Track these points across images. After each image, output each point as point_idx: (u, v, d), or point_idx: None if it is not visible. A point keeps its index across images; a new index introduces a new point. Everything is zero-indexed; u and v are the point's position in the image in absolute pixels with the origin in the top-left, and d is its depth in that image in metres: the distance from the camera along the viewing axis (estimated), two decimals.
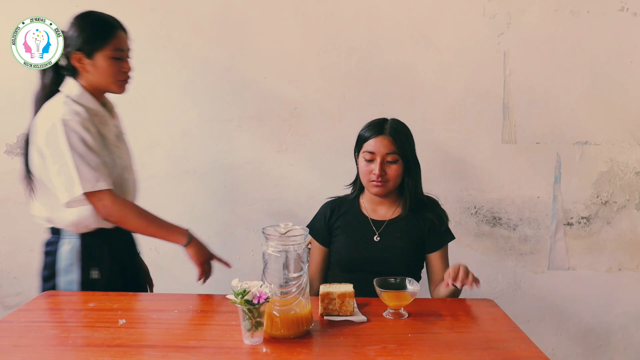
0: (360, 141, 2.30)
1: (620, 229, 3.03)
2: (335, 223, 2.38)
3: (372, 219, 2.32)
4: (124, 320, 1.79)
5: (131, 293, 2.16)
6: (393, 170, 2.22)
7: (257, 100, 2.97)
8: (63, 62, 2.09)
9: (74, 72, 2.09)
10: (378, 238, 2.28)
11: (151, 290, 2.54)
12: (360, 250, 2.29)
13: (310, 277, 2.28)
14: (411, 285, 1.89)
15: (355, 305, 1.88)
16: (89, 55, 2.04)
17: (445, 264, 2.30)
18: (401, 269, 2.13)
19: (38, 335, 1.70)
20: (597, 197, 3.01)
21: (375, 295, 1.87)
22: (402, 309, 1.86)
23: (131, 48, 2.16)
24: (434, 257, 2.30)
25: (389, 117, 2.30)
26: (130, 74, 2.13)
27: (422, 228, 2.29)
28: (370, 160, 2.23)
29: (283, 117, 2.98)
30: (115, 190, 2.05)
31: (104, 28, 2.05)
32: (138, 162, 2.88)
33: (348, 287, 1.85)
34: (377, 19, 2.90)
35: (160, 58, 2.95)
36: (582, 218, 3.03)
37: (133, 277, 2.32)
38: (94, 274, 2.10)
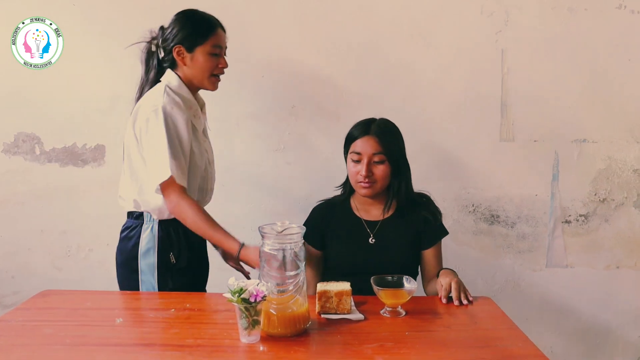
0: (348, 141, 2.29)
1: (618, 226, 3.04)
2: (328, 227, 2.34)
3: (365, 220, 2.30)
4: (120, 319, 1.79)
5: (128, 292, 2.17)
6: (380, 171, 2.19)
7: (255, 99, 2.97)
8: (162, 55, 2.22)
9: (173, 65, 2.20)
10: (373, 240, 2.26)
11: None
12: (356, 255, 2.26)
13: (309, 282, 2.27)
14: (408, 284, 1.90)
15: (353, 303, 1.88)
16: (190, 49, 2.16)
17: (439, 260, 2.31)
18: (397, 268, 2.09)
19: (35, 334, 1.70)
20: (595, 194, 3.01)
21: (372, 293, 1.88)
22: (400, 307, 1.87)
23: (226, 46, 2.25)
24: (428, 254, 2.30)
25: (380, 117, 2.30)
26: (225, 70, 2.25)
27: (416, 226, 2.27)
28: (358, 161, 2.21)
29: (281, 116, 2.98)
30: (200, 181, 2.23)
31: (206, 25, 2.18)
32: None
33: (345, 286, 1.85)
34: (375, 18, 2.90)
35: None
36: (580, 216, 3.03)
37: (204, 267, 2.44)
38: (172, 258, 2.18)
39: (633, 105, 2.96)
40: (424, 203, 2.32)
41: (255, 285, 1.60)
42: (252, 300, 1.57)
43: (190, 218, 2.09)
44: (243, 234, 3.00)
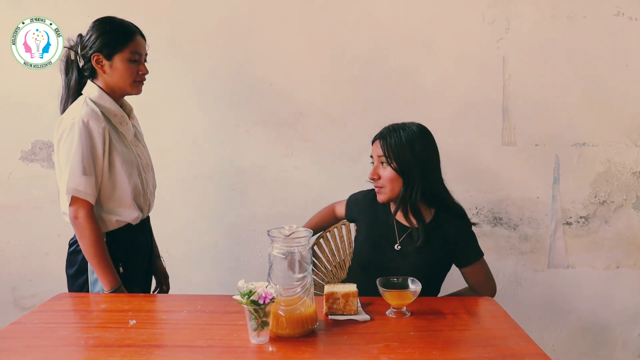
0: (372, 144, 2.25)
1: (618, 227, 3.07)
2: (362, 214, 2.36)
3: (398, 223, 2.24)
4: (134, 321, 1.82)
5: (141, 295, 2.20)
6: (386, 174, 2.14)
7: (264, 106, 3.02)
8: (82, 64, 2.17)
9: (93, 74, 2.17)
10: (399, 247, 2.21)
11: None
12: (377, 255, 2.23)
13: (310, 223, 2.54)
14: (413, 285, 1.91)
15: (359, 304, 1.91)
16: (108, 57, 2.13)
17: (478, 279, 2.27)
18: (418, 277, 2.01)
19: (51, 336, 1.73)
20: (595, 197, 3.04)
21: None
22: (405, 307, 1.89)
23: (147, 53, 2.24)
24: (465, 272, 2.26)
25: (403, 122, 2.23)
26: (146, 76, 2.22)
27: (446, 242, 2.19)
28: (372, 163, 2.21)
29: (289, 122, 3.02)
30: (133, 187, 2.17)
31: (124, 32, 2.15)
32: None
33: (352, 287, 1.88)
34: (379, 26, 2.94)
35: (170, 67, 3.00)
36: (581, 217, 3.06)
37: (147, 277, 2.42)
38: (120, 268, 2.17)
39: (631, 109, 2.99)
40: (457, 220, 2.23)
41: (264, 287, 1.62)
42: (261, 302, 1.59)
43: (86, 239, 2.07)
44: (253, 236, 3.07)
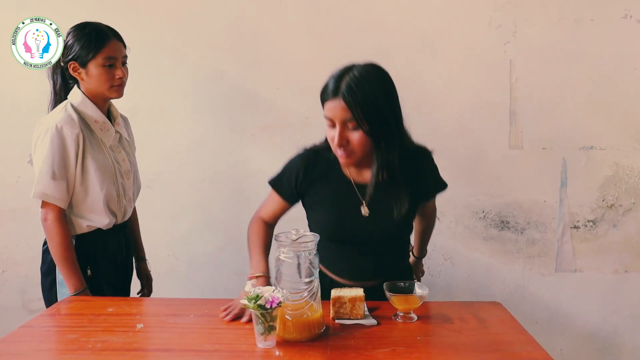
0: (321, 100, 1.93)
1: (626, 231, 3.06)
2: (312, 186, 2.05)
3: (356, 183, 1.99)
4: (141, 325, 1.83)
5: (148, 298, 2.21)
6: (356, 139, 1.82)
7: (270, 111, 3.03)
8: (65, 71, 2.23)
9: (77, 80, 2.22)
10: (367, 212, 1.97)
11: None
12: (345, 225, 2.00)
13: (259, 226, 2.19)
14: (420, 289, 1.91)
15: (366, 308, 1.91)
16: (83, 64, 2.17)
17: (430, 207, 2.30)
18: (392, 241, 2.03)
19: (59, 340, 1.75)
20: (603, 200, 3.04)
21: (383, 296, 1.90)
22: (411, 312, 1.89)
23: (126, 54, 2.26)
24: (425, 205, 2.21)
25: (364, 63, 1.92)
26: (125, 79, 2.23)
27: (412, 187, 1.95)
28: (332, 126, 1.87)
29: (295, 126, 3.03)
30: (106, 193, 2.19)
31: (96, 38, 2.16)
32: (156, 170, 2.95)
33: (359, 292, 1.88)
34: (385, 30, 2.95)
35: (177, 72, 3.02)
36: (589, 221, 3.06)
37: (124, 282, 2.44)
38: (88, 271, 2.21)
39: (639, 113, 2.98)
40: (419, 161, 2.02)
41: (271, 291, 1.62)
42: (268, 306, 1.59)
43: (54, 242, 2.13)
44: None
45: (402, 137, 1.91)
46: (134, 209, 2.56)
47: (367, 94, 1.79)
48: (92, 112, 2.20)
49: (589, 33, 2.91)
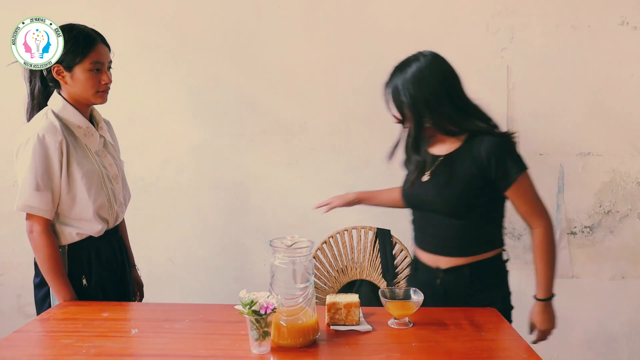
0: None
1: (623, 237, 3.06)
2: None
3: (431, 154, 2.13)
4: (136, 330, 1.83)
5: (143, 303, 2.21)
6: (409, 127, 2.07)
7: (268, 116, 3.03)
8: (45, 74, 2.15)
9: (57, 85, 2.15)
10: (427, 178, 2.10)
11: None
12: (408, 189, 2.17)
13: None
14: (415, 295, 1.91)
15: (361, 314, 1.91)
16: (69, 68, 2.10)
17: (523, 203, 2.07)
18: (451, 211, 2.04)
19: (53, 345, 1.75)
20: (600, 206, 3.04)
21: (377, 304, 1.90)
22: (407, 318, 1.89)
23: (111, 59, 2.19)
24: (509, 196, 2.09)
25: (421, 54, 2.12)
26: (110, 85, 2.16)
27: (476, 165, 2.01)
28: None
29: (293, 131, 3.04)
30: (95, 198, 2.13)
31: (83, 42, 2.10)
32: (154, 175, 2.96)
33: (354, 298, 1.88)
34: (383, 35, 2.96)
35: (175, 77, 3.03)
36: (586, 227, 3.06)
37: (122, 287, 2.36)
38: (83, 281, 2.15)
39: (636, 119, 2.98)
40: (486, 141, 2.02)
41: (266, 297, 1.62)
42: (262, 312, 1.59)
43: (40, 254, 2.07)
44: (257, 245, 3.08)
45: (449, 118, 2.03)
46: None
47: (405, 91, 2.05)
48: (75, 117, 2.13)
49: (585, 39, 2.91)
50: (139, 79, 2.97)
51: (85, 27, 2.16)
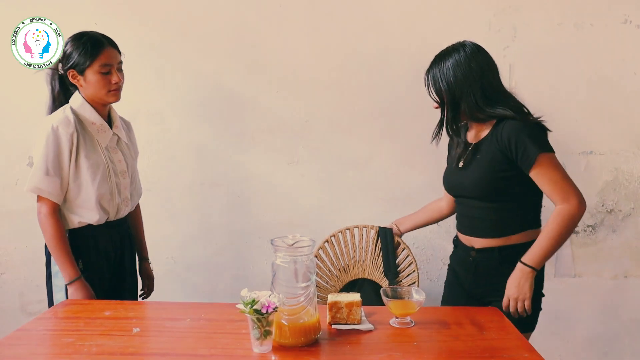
0: None
1: (626, 236, 3.05)
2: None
3: (465, 142, 2.28)
4: (138, 329, 1.84)
5: (145, 302, 2.21)
6: (447, 112, 2.19)
7: (270, 114, 3.03)
8: (65, 78, 2.33)
9: (76, 87, 2.33)
10: (462, 164, 2.24)
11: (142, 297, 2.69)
12: (447, 176, 2.35)
13: None
14: (417, 294, 1.92)
15: (363, 313, 1.91)
16: (81, 72, 2.27)
17: (546, 183, 2.07)
18: (482, 195, 2.15)
19: (55, 344, 1.76)
20: (603, 205, 3.03)
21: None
22: (409, 317, 1.89)
23: (121, 60, 2.33)
24: (532, 177, 2.09)
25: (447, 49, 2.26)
26: (121, 84, 2.33)
27: (501, 148, 2.10)
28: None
29: (295, 130, 3.03)
30: (99, 192, 2.30)
31: (92, 47, 2.26)
32: (155, 173, 2.96)
33: (355, 297, 1.89)
34: (386, 33, 2.95)
35: (176, 75, 3.03)
36: (588, 226, 3.05)
37: (118, 277, 2.47)
38: (80, 264, 2.30)
39: (639, 118, 2.97)
40: (509, 120, 2.12)
41: (267, 296, 1.63)
42: (264, 311, 1.60)
43: (47, 234, 2.25)
44: (258, 243, 3.08)
45: (477, 104, 2.14)
46: (139, 210, 2.67)
47: (435, 81, 2.21)
48: (90, 115, 2.31)
49: (588, 37, 2.90)
50: (141, 78, 2.97)
51: (95, 33, 2.32)
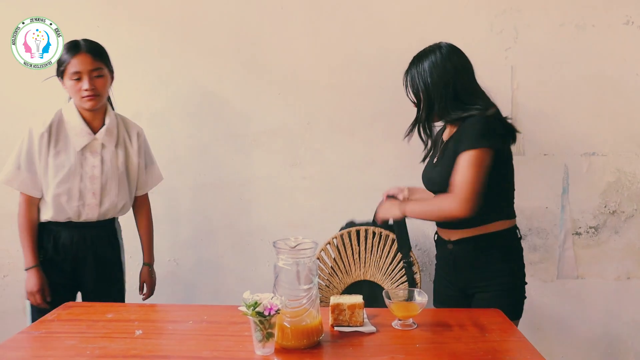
0: None
1: (628, 238, 3.05)
2: None
3: (440, 140, 2.33)
4: (140, 331, 1.84)
5: (148, 304, 2.22)
6: (421, 112, 2.26)
7: (272, 116, 3.03)
8: None
9: None
10: (435, 161, 2.30)
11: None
12: (424, 173, 2.37)
13: None
14: (419, 296, 1.92)
15: (365, 316, 1.91)
16: (61, 78, 2.39)
17: (457, 174, 2.07)
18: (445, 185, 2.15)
19: (57, 346, 1.75)
20: (605, 207, 3.03)
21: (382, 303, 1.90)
22: (411, 319, 1.89)
23: (99, 67, 2.35)
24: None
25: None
26: (93, 91, 2.36)
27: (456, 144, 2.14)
28: None
29: (297, 131, 3.04)
30: (67, 191, 2.42)
31: (65, 53, 2.35)
32: None
33: (358, 299, 1.88)
34: (387, 35, 2.95)
35: (178, 77, 3.03)
36: (590, 228, 3.05)
37: (74, 276, 2.54)
38: (40, 255, 2.49)
39: None
40: (465, 121, 2.16)
41: (270, 298, 1.63)
42: (266, 313, 1.60)
43: (18, 222, 2.47)
44: (261, 245, 3.07)
45: (446, 106, 2.18)
46: (144, 216, 2.73)
47: (412, 80, 2.25)
48: (71, 118, 2.43)
49: (590, 39, 2.90)
50: (143, 79, 2.98)
51: (80, 40, 2.38)
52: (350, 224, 2.75)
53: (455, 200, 2.06)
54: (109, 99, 2.53)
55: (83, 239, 2.50)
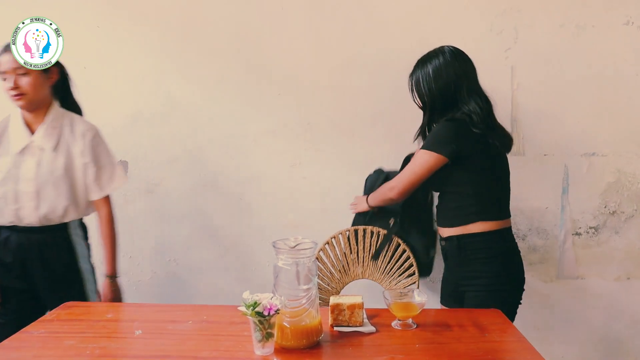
0: None
1: (629, 238, 3.04)
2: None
3: None
4: (140, 331, 1.84)
5: (148, 304, 2.21)
6: (424, 114, 2.44)
7: (272, 116, 3.03)
8: None
9: None
10: None
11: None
12: None
13: None
14: (419, 297, 1.92)
15: (365, 316, 1.91)
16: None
17: (403, 168, 2.45)
18: (437, 187, 2.43)
19: (57, 346, 1.74)
20: (605, 207, 3.02)
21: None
22: (410, 319, 1.89)
23: (20, 66, 2.31)
24: None
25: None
26: (17, 91, 2.33)
27: None
28: None
29: (297, 132, 3.03)
30: (6, 196, 2.37)
31: None
32: (157, 176, 2.97)
33: (357, 299, 1.88)
34: (387, 35, 2.95)
35: (179, 77, 3.02)
36: (591, 228, 3.05)
37: (23, 278, 2.46)
38: None
39: None
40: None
41: (269, 298, 1.63)
42: (265, 313, 1.60)
43: None
44: (261, 245, 3.07)
45: (446, 109, 2.33)
46: (103, 223, 2.55)
47: (417, 83, 2.39)
48: (14, 117, 2.42)
49: (590, 39, 2.90)
50: (142, 79, 2.98)
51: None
52: (379, 171, 2.83)
53: (391, 185, 2.42)
54: (69, 97, 2.51)
55: (29, 242, 2.43)
